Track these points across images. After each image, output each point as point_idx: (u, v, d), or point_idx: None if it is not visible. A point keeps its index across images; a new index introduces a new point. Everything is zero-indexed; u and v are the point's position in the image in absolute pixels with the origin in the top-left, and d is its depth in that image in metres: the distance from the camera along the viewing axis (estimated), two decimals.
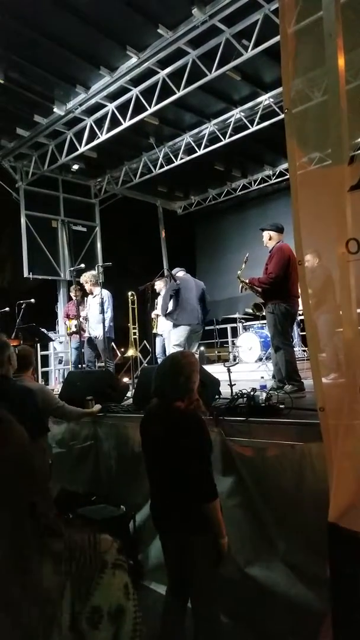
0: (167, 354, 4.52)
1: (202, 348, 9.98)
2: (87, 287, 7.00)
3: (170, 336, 6.20)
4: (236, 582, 2.90)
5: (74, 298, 7.35)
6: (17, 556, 0.77)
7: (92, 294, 7.01)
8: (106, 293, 6.74)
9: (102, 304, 6.45)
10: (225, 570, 2.39)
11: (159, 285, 7.11)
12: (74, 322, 7.34)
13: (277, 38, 6.01)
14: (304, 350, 8.76)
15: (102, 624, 0.79)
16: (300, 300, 5.33)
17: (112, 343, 7.63)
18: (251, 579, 2.89)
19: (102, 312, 6.45)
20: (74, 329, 7.39)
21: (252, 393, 3.52)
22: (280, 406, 3.44)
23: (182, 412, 2.27)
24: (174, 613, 2.36)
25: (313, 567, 2.56)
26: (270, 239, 4.98)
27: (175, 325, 6.11)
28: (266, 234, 5.00)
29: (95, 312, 6.82)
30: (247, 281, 4.95)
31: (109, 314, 6.64)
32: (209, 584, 2.29)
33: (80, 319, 7.01)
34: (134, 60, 6.87)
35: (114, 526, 3.66)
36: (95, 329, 6.83)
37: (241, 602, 2.88)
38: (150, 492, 2.43)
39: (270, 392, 3.71)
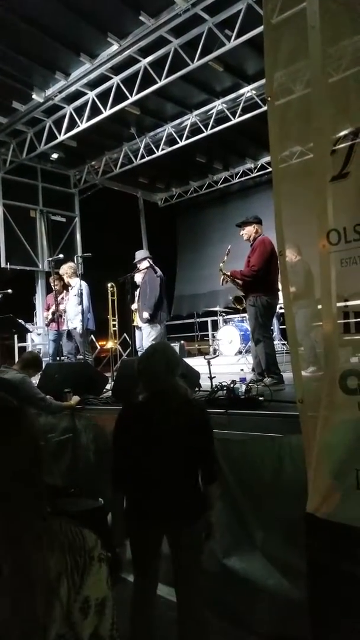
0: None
1: (182, 341, 9.98)
2: (65, 278, 6.91)
3: (149, 332, 6.13)
4: (214, 572, 2.91)
5: (54, 289, 7.24)
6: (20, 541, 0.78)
7: (70, 285, 6.93)
8: (84, 284, 6.66)
9: (80, 295, 6.38)
10: (204, 561, 2.39)
11: (139, 276, 7.05)
12: (51, 310, 7.25)
13: (260, 29, 5.98)
14: (284, 344, 8.82)
15: (90, 614, 0.82)
16: (280, 293, 5.40)
17: (92, 335, 7.56)
18: (229, 569, 2.91)
19: (80, 303, 6.38)
20: (50, 317, 7.30)
21: (231, 385, 3.53)
22: (260, 398, 3.46)
23: (185, 399, 2.34)
24: (146, 603, 2.35)
25: (291, 558, 2.59)
26: (256, 232, 4.95)
27: (156, 323, 6.07)
28: (251, 228, 4.96)
29: (73, 304, 6.73)
30: (229, 274, 4.95)
31: (85, 305, 6.56)
32: (197, 573, 2.31)
33: (59, 311, 6.92)
34: (115, 47, 6.75)
35: (91, 519, 3.64)
36: (74, 320, 6.75)
37: (219, 592, 2.89)
38: (131, 486, 2.37)
39: (250, 384, 3.72)
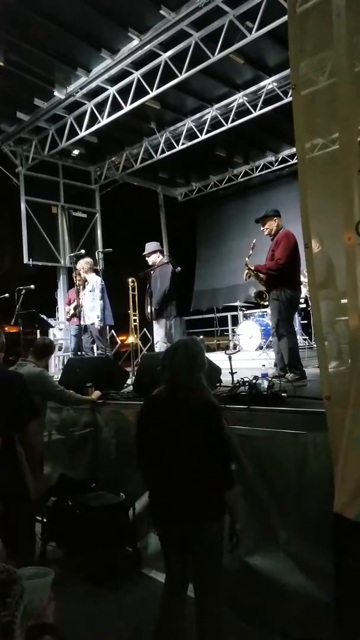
0: (171, 343, 4.42)
1: (201, 336, 9.94)
2: (82, 274, 6.93)
3: (157, 328, 6.08)
4: (236, 571, 2.88)
5: (75, 284, 7.28)
6: None
7: (86, 281, 6.94)
8: (97, 280, 6.66)
9: (94, 291, 6.41)
10: (226, 559, 2.37)
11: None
12: (72, 305, 7.30)
13: (282, 20, 5.88)
14: (305, 339, 8.72)
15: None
16: (302, 287, 5.32)
17: (112, 330, 7.58)
18: (252, 568, 2.88)
19: (102, 298, 6.40)
20: (72, 312, 7.34)
21: (254, 381, 3.49)
22: (283, 394, 3.41)
23: (203, 399, 2.28)
24: (175, 603, 2.34)
25: (314, 557, 2.54)
26: (277, 226, 4.88)
27: (164, 319, 6.01)
28: (272, 222, 4.88)
29: (88, 300, 6.74)
30: (253, 268, 4.89)
31: (98, 301, 6.53)
32: (215, 573, 2.27)
33: (80, 306, 6.95)
34: (135, 42, 6.73)
35: (113, 513, 3.66)
36: (90, 316, 6.76)
37: (241, 591, 2.87)
38: (153, 483, 2.37)
39: (273, 380, 3.67)
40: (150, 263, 6.25)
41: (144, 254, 6.33)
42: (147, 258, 6.31)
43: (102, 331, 6.67)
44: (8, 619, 0.82)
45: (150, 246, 6.39)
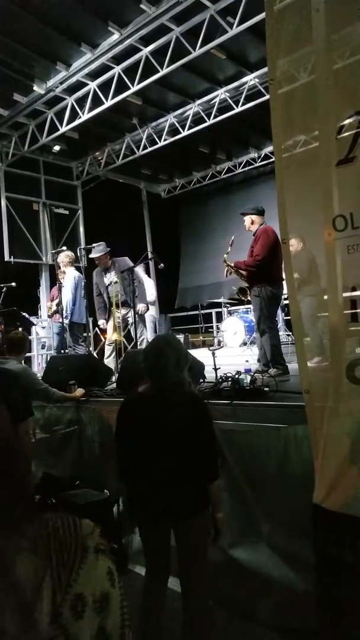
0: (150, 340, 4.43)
1: (186, 333, 9.95)
2: (61, 266, 6.83)
3: (150, 326, 6.11)
4: (220, 563, 2.91)
5: (58, 281, 7.20)
6: None
7: (64, 273, 6.81)
8: (74, 275, 6.59)
9: (72, 286, 6.38)
10: (209, 552, 2.39)
11: (139, 270, 6.96)
12: (55, 302, 7.21)
13: (263, 15, 5.88)
14: (288, 335, 8.79)
15: (87, 612, 0.72)
16: (285, 283, 5.37)
17: (97, 328, 7.50)
18: (235, 560, 2.91)
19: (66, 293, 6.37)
20: (54, 309, 7.26)
21: (237, 376, 3.51)
22: (265, 389, 3.44)
23: (188, 392, 2.31)
24: (157, 595, 2.35)
25: (297, 549, 2.58)
26: (252, 223, 4.94)
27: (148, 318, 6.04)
28: (247, 219, 4.96)
29: (63, 295, 6.60)
30: (232, 264, 4.91)
31: (71, 297, 6.45)
32: (202, 564, 2.30)
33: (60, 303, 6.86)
34: (116, 36, 6.68)
35: (97, 510, 3.65)
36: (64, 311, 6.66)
37: (225, 583, 2.90)
38: (134, 479, 2.37)
39: (255, 375, 3.70)
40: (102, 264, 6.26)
41: (92, 256, 6.31)
42: (96, 261, 6.31)
43: (72, 327, 6.55)
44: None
45: (99, 248, 6.30)
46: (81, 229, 11.30)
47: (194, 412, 2.28)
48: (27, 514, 0.78)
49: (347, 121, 2.24)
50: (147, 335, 6.36)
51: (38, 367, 8.88)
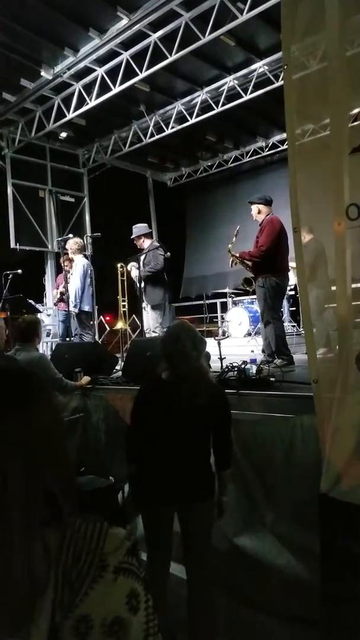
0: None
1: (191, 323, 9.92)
2: (70, 254, 6.81)
3: (155, 316, 6.02)
4: (224, 551, 2.93)
5: (64, 269, 7.20)
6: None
7: (72, 261, 6.80)
8: (83, 262, 6.57)
9: (82, 274, 6.34)
10: (214, 540, 2.42)
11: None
12: (60, 290, 7.22)
13: (274, 1, 5.80)
14: (293, 326, 8.79)
15: (92, 635, 0.65)
16: (290, 274, 5.34)
17: (102, 317, 7.53)
18: (239, 548, 2.93)
19: (83, 281, 6.36)
20: (59, 297, 7.27)
21: (242, 366, 3.51)
22: (271, 379, 3.44)
23: (211, 383, 2.39)
24: (160, 580, 2.38)
25: (301, 538, 2.60)
26: (259, 213, 4.91)
27: (164, 308, 5.96)
28: (255, 208, 4.93)
29: (71, 282, 6.62)
30: (237, 255, 4.90)
31: (80, 285, 6.44)
32: (207, 549, 2.35)
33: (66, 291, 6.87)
34: (124, 21, 6.59)
35: (102, 497, 3.68)
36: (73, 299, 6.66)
37: (229, 571, 2.92)
38: (146, 462, 2.38)
39: (261, 365, 3.70)
40: (138, 247, 6.18)
41: (132, 237, 6.23)
42: (135, 242, 6.23)
43: (80, 316, 6.56)
44: None
45: (137, 229, 6.21)
46: (87, 217, 11.26)
47: (217, 402, 2.34)
48: (56, 514, 0.71)
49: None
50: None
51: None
